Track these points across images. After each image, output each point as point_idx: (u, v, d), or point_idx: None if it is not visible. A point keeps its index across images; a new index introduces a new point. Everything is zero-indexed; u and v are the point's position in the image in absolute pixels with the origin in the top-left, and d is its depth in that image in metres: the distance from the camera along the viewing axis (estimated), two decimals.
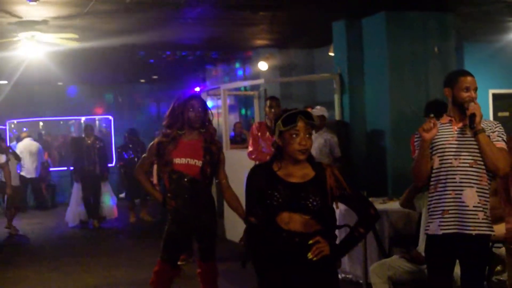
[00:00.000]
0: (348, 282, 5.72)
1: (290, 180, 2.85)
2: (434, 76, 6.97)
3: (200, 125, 4.19)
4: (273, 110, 6.30)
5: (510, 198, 3.55)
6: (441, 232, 3.32)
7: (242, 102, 11.94)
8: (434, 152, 3.39)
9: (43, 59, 8.57)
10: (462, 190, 3.29)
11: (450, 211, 3.31)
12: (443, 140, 3.37)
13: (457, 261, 3.44)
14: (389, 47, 7.00)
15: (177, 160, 4.12)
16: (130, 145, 10.46)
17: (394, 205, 5.31)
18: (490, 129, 3.35)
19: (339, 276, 4.97)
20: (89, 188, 9.89)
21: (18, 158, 10.36)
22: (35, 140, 12.59)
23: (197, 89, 11.69)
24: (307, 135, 2.83)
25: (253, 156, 6.51)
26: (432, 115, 4.00)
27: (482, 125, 3.28)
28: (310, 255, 2.74)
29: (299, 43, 9.70)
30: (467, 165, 3.31)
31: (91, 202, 9.94)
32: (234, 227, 7.00)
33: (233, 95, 11.30)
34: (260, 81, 8.77)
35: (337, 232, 2.91)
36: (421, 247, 4.20)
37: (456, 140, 3.35)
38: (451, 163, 3.33)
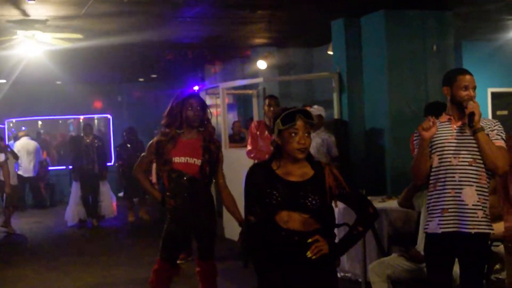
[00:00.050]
0: (347, 281, 5.73)
1: (289, 179, 2.85)
2: (433, 74, 6.97)
3: (199, 124, 4.19)
4: (272, 108, 6.30)
5: (509, 197, 3.55)
6: (440, 231, 3.33)
7: (241, 100, 11.94)
8: (433, 151, 3.39)
9: (42, 58, 8.56)
10: (461, 189, 3.30)
11: (449, 210, 3.31)
12: (442, 138, 3.38)
13: (456, 259, 3.44)
14: (388, 46, 7.00)
15: (176, 159, 4.12)
16: (128, 145, 10.46)
17: (393, 203, 5.31)
18: (489, 127, 3.35)
19: (338, 275, 4.98)
20: (88, 187, 9.89)
21: (16, 157, 10.36)
22: (33, 139, 12.57)
23: (196, 88, 11.67)
24: (306, 134, 2.83)
25: (252, 155, 6.51)
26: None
27: (481, 124, 3.29)
28: (309, 254, 2.74)
29: (298, 42, 9.70)
30: (466, 163, 3.31)
31: (90, 201, 9.94)
32: (233, 226, 6.97)
33: (232, 94, 11.29)
34: (259, 79, 8.76)
35: (336, 230, 2.91)
36: (420, 245, 4.20)
37: (455, 139, 3.36)
38: (450, 161, 3.33)
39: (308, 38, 9.33)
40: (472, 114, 3.26)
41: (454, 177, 3.31)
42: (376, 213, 2.94)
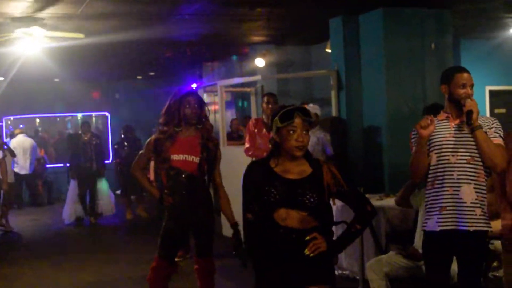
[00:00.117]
0: (345, 278, 5.73)
1: (287, 176, 2.85)
2: (431, 72, 6.97)
3: (197, 121, 4.19)
4: (270, 106, 6.30)
5: (507, 195, 3.55)
6: (439, 229, 3.33)
7: (239, 98, 11.93)
8: (431, 149, 3.39)
9: (40, 56, 8.54)
10: (459, 187, 3.30)
11: (447, 208, 3.32)
12: (441, 136, 3.38)
13: (454, 257, 3.45)
14: (386, 43, 7.01)
15: (175, 157, 4.11)
16: (126, 143, 10.45)
17: (390, 201, 5.31)
18: (487, 125, 3.35)
19: (336, 272, 4.98)
20: (85, 185, 9.88)
21: (13, 154, 10.34)
22: (30, 136, 12.56)
23: (194, 85, 11.66)
24: (304, 132, 2.83)
25: (250, 153, 6.51)
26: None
27: (479, 122, 3.29)
28: (307, 251, 2.74)
29: (296, 39, 9.70)
30: (465, 161, 3.31)
31: (88, 198, 9.93)
32: None
33: (230, 92, 11.28)
34: (257, 77, 8.76)
35: (334, 228, 2.92)
36: (418, 243, 4.21)
37: (453, 137, 3.36)
38: (448, 159, 3.33)
39: (306, 35, 9.32)
40: (470, 112, 3.26)
41: (452, 175, 3.32)
42: (374, 211, 2.95)
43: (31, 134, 13.08)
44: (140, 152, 4.39)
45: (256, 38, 9.52)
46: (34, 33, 7.14)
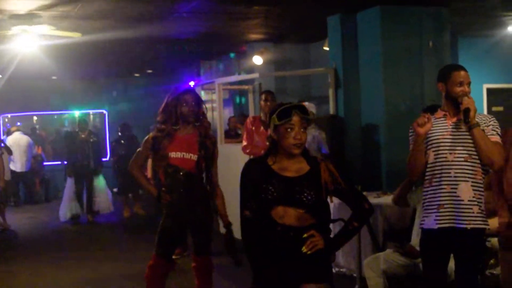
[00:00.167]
0: (342, 276, 5.74)
1: (284, 174, 2.85)
2: (429, 70, 6.97)
3: (195, 119, 4.19)
4: (268, 104, 6.29)
5: (504, 192, 3.56)
6: (436, 227, 3.33)
7: (237, 96, 11.92)
8: (429, 147, 3.40)
9: (37, 53, 8.53)
10: (457, 185, 3.31)
11: (445, 206, 3.32)
12: (438, 134, 3.38)
13: (452, 255, 3.45)
14: (384, 41, 7.01)
15: (173, 154, 4.11)
16: (122, 141, 10.43)
17: (388, 199, 5.31)
18: (485, 123, 3.35)
19: (333, 270, 4.99)
20: (82, 182, 9.87)
21: (10, 152, 10.32)
22: (27, 134, 12.53)
23: (192, 83, 11.65)
24: (302, 130, 2.83)
25: (247, 151, 6.51)
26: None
27: (476, 119, 3.29)
28: (304, 249, 2.74)
29: (294, 37, 9.69)
30: (462, 159, 3.32)
31: (84, 196, 9.91)
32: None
33: (228, 89, 11.28)
34: (255, 75, 8.76)
35: (331, 226, 2.92)
36: (415, 241, 4.21)
37: (451, 135, 3.36)
38: (446, 157, 3.34)
39: (304, 33, 9.32)
40: (467, 110, 3.27)
41: (449, 173, 3.32)
42: (371, 208, 2.95)
43: (28, 131, 13.04)
44: (138, 150, 4.38)
45: (254, 36, 9.51)
46: (31, 30, 7.12)
